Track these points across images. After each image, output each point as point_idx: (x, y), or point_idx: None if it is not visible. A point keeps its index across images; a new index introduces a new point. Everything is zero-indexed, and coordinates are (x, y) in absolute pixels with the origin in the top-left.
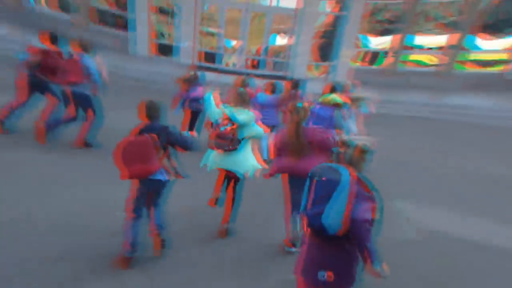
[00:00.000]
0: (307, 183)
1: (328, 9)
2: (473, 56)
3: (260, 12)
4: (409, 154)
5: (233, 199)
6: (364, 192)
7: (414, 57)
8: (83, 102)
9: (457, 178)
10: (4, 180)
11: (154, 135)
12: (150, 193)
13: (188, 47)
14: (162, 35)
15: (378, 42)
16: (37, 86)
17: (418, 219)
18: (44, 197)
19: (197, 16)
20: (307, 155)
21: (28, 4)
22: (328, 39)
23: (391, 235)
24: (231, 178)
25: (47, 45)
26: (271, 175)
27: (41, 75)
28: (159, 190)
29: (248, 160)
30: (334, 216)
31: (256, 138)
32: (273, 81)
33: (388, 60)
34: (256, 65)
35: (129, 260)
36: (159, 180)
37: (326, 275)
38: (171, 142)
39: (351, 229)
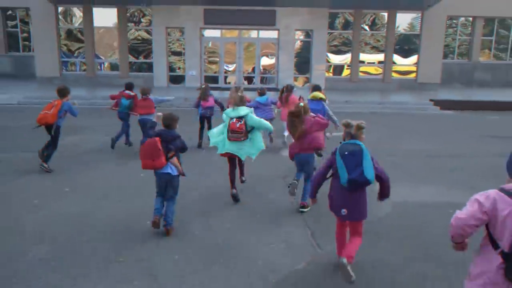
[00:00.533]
0: (338, 158)
1: (300, 37)
2: (394, 68)
3: (251, 42)
4: (374, 142)
5: (241, 173)
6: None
7: (363, 68)
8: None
9: (405, 157)
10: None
11: (158, 138)
12: (164, 184)
13: (196, 74)
14: (179, 68)
15: (341, 59)
16: (122, 118)
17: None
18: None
19: (201, 50)
20: (305, 138)
21: (97, 71)
22: (304, 57)
23: (375, 212)
24: (236, 159)
25: (128, 91)
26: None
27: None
28: (169, 182)
29: (250, 147)
30: (370, 171)
31: (261, 129)
32: (261, 87)
33: (350, 71)
34: (250, 81)
35: (157, 221)
36: (168, 173)
37: (345, 211)
38: (180, 147)
39: (378, 175)
